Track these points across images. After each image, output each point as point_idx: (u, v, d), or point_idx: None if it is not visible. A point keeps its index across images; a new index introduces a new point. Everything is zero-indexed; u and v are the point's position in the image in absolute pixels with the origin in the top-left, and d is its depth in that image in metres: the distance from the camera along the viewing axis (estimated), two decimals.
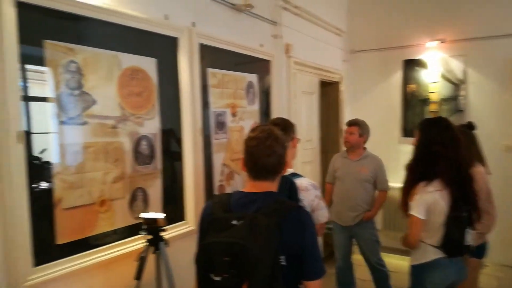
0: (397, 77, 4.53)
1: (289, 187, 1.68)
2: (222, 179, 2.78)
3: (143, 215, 1.87)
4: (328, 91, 4.48)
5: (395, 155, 4.44)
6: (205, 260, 1.24)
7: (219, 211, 1.35)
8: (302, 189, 1.84)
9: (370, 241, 3.27)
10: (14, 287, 1.59)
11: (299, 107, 3.70)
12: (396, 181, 4.33)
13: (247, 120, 3.01)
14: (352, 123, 3.29)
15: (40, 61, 1.70)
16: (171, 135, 2.35)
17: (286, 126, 2.00)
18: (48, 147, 1.78)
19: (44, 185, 1.75)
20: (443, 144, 2.00)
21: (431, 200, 1.97)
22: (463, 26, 4.14)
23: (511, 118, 4.00)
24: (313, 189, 1.96)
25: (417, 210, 1.99)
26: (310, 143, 3.98)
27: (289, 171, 1.92)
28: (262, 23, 3.21)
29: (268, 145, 1.36)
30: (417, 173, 2.07)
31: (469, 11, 4.12)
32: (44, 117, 1.77)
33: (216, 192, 2.70)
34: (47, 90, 1.73)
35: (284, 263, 1.29)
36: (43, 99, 1.75)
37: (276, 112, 3.30)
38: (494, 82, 4.04)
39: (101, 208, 1.93)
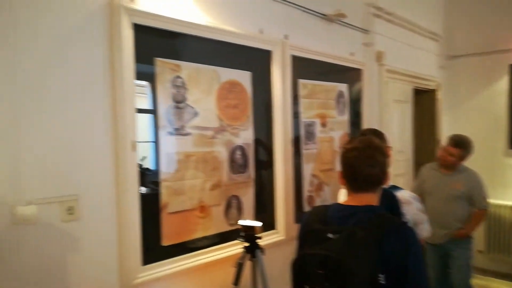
0: (503, 83, 4.10)
1: (390, 200, 1.62)
2: (311, 190, 2.77)
3: (242, 222, 1.93)
4: (423, 100, 4.22)
5: (500, 169, 4.04)
6: (300, 271, 1.25)
7: (316, 223, 1.35)
8: (404, 202, 1.75)
9: (460, 262, 2.92)
10: (126, 283, 1.75)
11: (391, 116, 3.55)
12: (502, 198, 3.94)
13: (337, 130, 2.97)
14: (456, 144, 2.85)
15: (151, 77, 1.87)
16: (263, 145, 2.42)
17: (377, 136, 1.94)
18: (147, 155, 1.94)
19: (149, 190, 1.91)
20: None
21: None
22: None
23: None
24: (415, 201, 1.87)
25: None
26: (403, 154, 3.78)
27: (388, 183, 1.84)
28: (353, 31, 3.15)
29: (369, 154, 1.33)
30: None
31: None
32: (145, 127, 1.94)
33: (305, 202, 2.70)
34: (149, 103, 1.90)
35: (383, 282, 1.22)
36: (146, 111, 1.92)
37: (367, 121, 3.20)
38: None
39: (200, 214, 2.05)
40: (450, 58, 4.43)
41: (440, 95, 4.30)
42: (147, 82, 1.88)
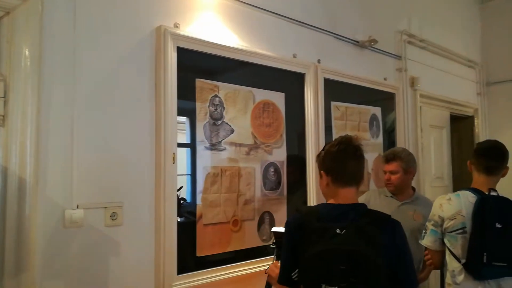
0: None
1: None
2: None
3: (275, 229, 1.94)
4: (460, 126, 4.15)
5: None
6: (319, 270, 1.23)
7: (315, 222, 1.32)
8: None
9: None
10: None
11: (427, 142, 3.51)
12: None
13: (370, 153, 2.98)
14: (391, 158, 2.37)
15: (192, 97, 2.01)
16: (296, 164, 2.47)
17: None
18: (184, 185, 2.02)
19: (185, 219, 1.98)
20: None
21: None
22: None
23: None
24: None
25: None
26: (440, 180, 3.69)
27: None
28: (386, 57, 3.22)
29: (354, 149, 1.38)
30: None
31: None
32: (183, 161, 2.01)
33: None
34: (187, 138, 2.03)
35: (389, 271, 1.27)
36: (183, 145, 2.02)
37: (402, 145, 3.18)
38: None
39: (234, 227, 2.11)
40: (488, 84, 4.37)
41: (478, 121, 4.21)
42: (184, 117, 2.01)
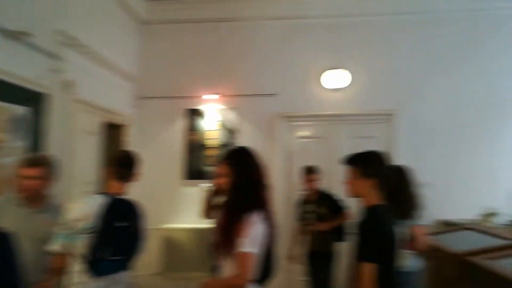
0: (180, 124, 4.88)
1: None
2: None
3: None
4: (115, 134, 4.44)
5: (177, 197, 4.73)
6: None
7: None
8: None
9: None
10: None
11: (80, 147, 3.53)
12: (178, 222, 4.60)
13: (10, 157, 2.65)
14: (33, 163, 2.23)
15: None
16: None
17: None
18: None
19: None
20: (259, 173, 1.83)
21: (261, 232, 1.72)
22: (236, 83, 4.82)
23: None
24: None
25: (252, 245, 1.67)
26: (91, 185, 3.78)
27: None
28: (41, 55, 3.00)
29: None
30: (242, 205, 1.74)
31: (240, 72, 4.83)
32: None
33: None
34: None
35: None
36: None
37: (53, 150, 3.05)
38: (260, 131, 4.77)
39: None
40: (142, 98, 4.89)
41: (130, 130, 4.65)
42: None
